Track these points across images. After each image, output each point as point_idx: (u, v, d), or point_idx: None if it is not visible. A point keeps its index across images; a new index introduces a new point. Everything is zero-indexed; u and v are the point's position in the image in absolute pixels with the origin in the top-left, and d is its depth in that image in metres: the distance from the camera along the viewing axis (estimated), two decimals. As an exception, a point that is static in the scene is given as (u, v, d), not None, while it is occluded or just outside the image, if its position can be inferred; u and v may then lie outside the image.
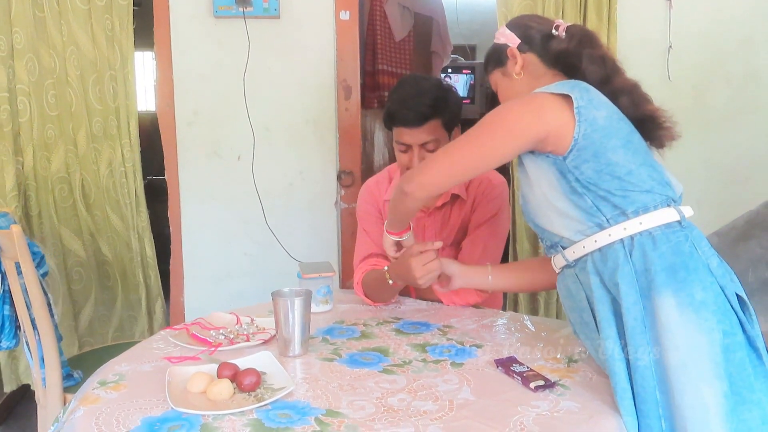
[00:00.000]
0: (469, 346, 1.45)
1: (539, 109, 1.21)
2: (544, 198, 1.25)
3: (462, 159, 1.27)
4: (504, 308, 1.96)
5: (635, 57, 2.39)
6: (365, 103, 3.05)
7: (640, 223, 1.20)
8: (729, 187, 2.63)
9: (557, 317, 2.60)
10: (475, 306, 1.72)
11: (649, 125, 1.27)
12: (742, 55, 2.61)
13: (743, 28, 2.59)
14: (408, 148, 1.68)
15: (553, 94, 1.21)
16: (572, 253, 1.26)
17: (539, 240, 1.36)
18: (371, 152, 3.50)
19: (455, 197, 1.79)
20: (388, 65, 3.48)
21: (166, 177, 2.71)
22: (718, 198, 2.60)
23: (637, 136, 1.26)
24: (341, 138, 2.74)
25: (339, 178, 2.78)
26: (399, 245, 1.53)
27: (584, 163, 1.19)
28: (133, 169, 2.64)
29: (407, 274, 1.50)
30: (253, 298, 2.47)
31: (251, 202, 2.75)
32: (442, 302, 1.74)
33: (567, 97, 1.20)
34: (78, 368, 2.02)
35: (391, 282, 1.60)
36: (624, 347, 1.16)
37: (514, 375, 1.27)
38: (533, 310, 2.67)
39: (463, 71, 4.33)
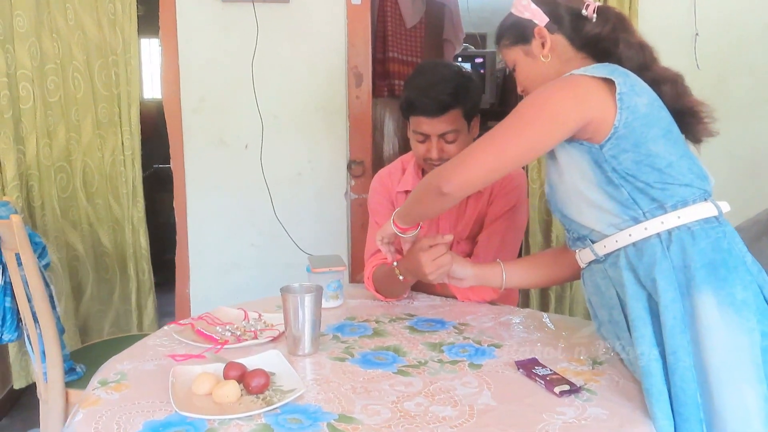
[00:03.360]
0: (487, 345, 1.40)
1: (583, 95, 1.15)
2: (575, 188, 1.20)
3: (504, 152, 1.19)
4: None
5: (659, 46, 2.29)
6: (375, 92, 3.03)
7: (679, 218, 1.15)
8: (752, 181, 2.57)
9: (569, 314, 2.56)
10: (491, 302, 1.67)
11: (689, 119, 1.22)
12: (766, 43, 2.54)
13: (768, 14, 2.38)
14: (426, 138, 1.63)
15: (594, 77, 1.15)
16: (603, 248, 1.21)
17: (566, 232, 1.32)
18: (381, 142, 3.44)
19: None
20: (399, 53, 3.43)
21: (171, 166, 2.68)
22: (741, 191, 2.50)
23: (675, 127, 1.20)
24: (352, 127, 2.69)
25: (349, 168, 2.73)
26: (396, 241, 1.48)
27: (623, 153, 1.14)
28: (132, 157, 2.61)
29: (417, 268, 1.45)
30: (260, 291, 2.47)
31: (259, 191, 2.71)
32: (455, 298, 1.69)
33: (608, 82, 1.14)
34: (81, 362, 1.98)
35: (401, 278, 1.55)
36: (660, 347, 1.11)
37: (537, 378, 1.22)
38: (544, 306, 2.63)
39: (474, 60, 4.21)
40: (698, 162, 1.20)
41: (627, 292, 1.15)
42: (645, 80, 1.19)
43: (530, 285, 1.60)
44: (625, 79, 1.15)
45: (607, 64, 1.19)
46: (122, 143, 2.58)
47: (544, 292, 2.62)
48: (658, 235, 1.15)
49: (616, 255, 1.18)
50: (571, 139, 1.17)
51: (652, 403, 1.09)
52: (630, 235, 1.17)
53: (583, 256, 1.27)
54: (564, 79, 1.17)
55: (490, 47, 4.81)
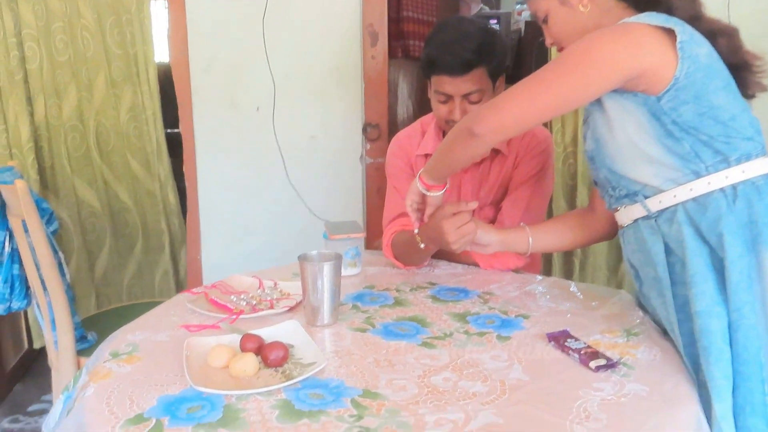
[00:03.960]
0: (515, 316, 1.34)
1: (636, 42, 1.08)
2: (629, 142, 1.15)
3: (544, 97, 1.12)
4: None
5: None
6: (389, 53, 2.93)
7: (743, 172, 1.12)
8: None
9: (591, 282, 2.50)
10: (515, 271, 1.62)
11: (744, 73, 1.17)
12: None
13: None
14: (448, 98, 1.55)
15: (650, 25, 1.08)
16: (657, 203, 1.16)
17: (607, 190, 1.26)
18: (394, 105, 3.35)
19: (496, 152, 1.66)
20: (414, 12, 3.34)
21: (180, 129, 2.62)
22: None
23: (733, 80, 1.15)
24: (367, 88, 2.61)
25: (364, 131, 2.66)
26: (423, 201, 1.42)
27: (683, 105, 1.09)
28: (154, 117, 2.62)
29: (439, 237, 1.40)
30: (274, 258, 2.41)
31: (271, 156, 2.65)
32: (477, 266, 1.63)
33: (665, 31, 1.08)
34: (92, 330, 1.95)
35: (422, 245, 1.49)
36: (721, 305, 1.08)
37: (570, 351, 1.16)
38: (567, 272, 2.57)
39: (488, 21, 4.09)
40: (755, 117, 1.16)
41: (687, 248, 1.11)
42: (699, 32, 1.13)
43: (556, 248, 1.62)
44: (684, 27, 1.09)
45: (658, 13, 1.13)
46: (143, 103, 2.59)
47: (567, 259, 2.58)
48: (722, 189, 1.12)
49: (673, 210, 1.14)
50: (623, 91, 1.12)
51: (710, 362, 1.06)
52: (691, 189, 1.13)
53: (629, 214, 1.22)
54: (618, 26, 1.10)
55: (505, 7, 4.63)
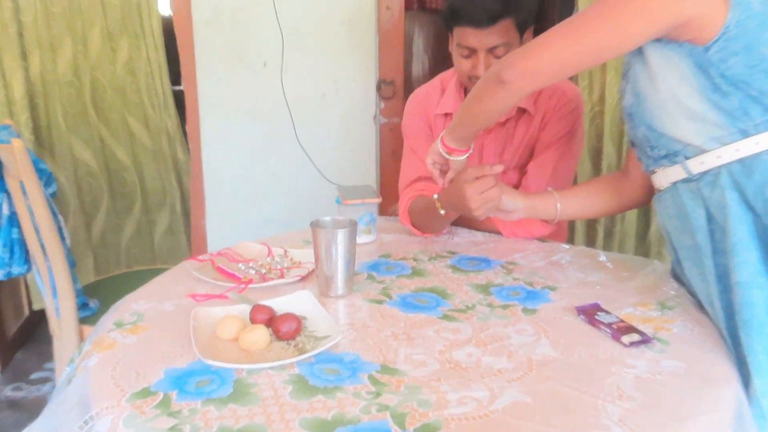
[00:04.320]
0: (541, 288, 1.31)
1: None
2: (672, 96, 1.10)
3: (581, 43, 1.07)
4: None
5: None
6: (405, 4, 2.85)
7: None
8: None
9: (619, 251, 2.48)
10: (540, 239, 1.59)
11: None
12: None
13: None
14: (472, 52, 1.51)
15: None
16: (699, 165, 1.12)
17: (645, 150, 1.22)
18: (409, 60, 3.26)
19: (521, 112, 1.61)
20: (432, -41, 3.13)
21: (183, 87, 2.58)
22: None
23: None
24: (381, 42, 2.56)
25: (378, 88, 2.62)
26: (445, 165, 1.39)
27: (732, 57, 1.03)
28: (160, 71, 2.61)
29: (461, 203, 1.38)
30: (283, 224, 2.40)
31: (279, 115, 2.61)
32: (500, 233, 1.61)
33: None
34: (94, 297, 1.96)
35: (442, 212, 1.47)
36: (764, 276, 1.04)
37: (601, 326, 1.13)
38: (590, 242, 2.53)
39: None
40: None
41: (729, 213, 1.07)
42: None
43: (586, 215, 1.52)
44: None
45: None
46: (147, 56, 2.57)
47: (590, 226, 2.52)
48: None
49: (716, 173, 1.10)
50: (668, 40, 1.07)
51: (751, 335, 1.03)
52: (737, 150, 1.08)
53: (667, 176, 1.18)
54: None
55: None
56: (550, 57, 1.10)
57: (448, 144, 1.36)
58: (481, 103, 1.24)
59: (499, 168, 1.37)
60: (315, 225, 1.28)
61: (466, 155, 1.37)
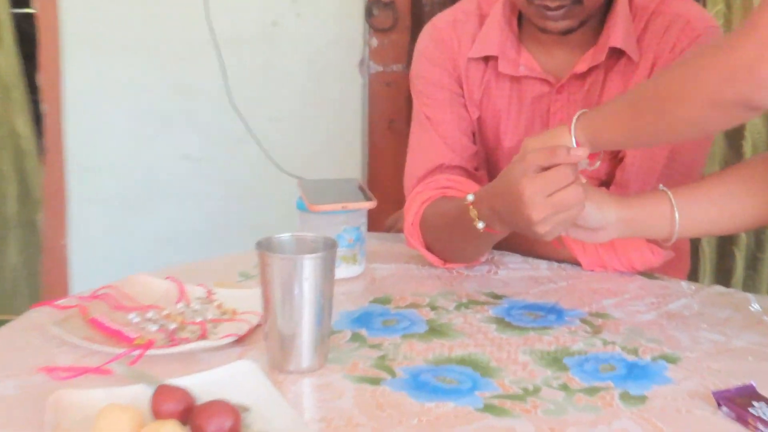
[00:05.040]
0: (651, 358, 1.15)
1: None
2: None
3: None
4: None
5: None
6: None
7: None
8: None
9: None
10: (646, 274, 1.46)
11: None
12: None
13: None
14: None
15: None
16: None
17: None
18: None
19: (614, 54, 1.45)
20: None
21: (34, 8, 2.35)
22: None
23: None
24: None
25: (369, 14, 2.38)
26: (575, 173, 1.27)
27: None
28: None
29: (514, 210, 1.21)
30: (205, 244, 2.22)
31: (200, 58, 2.38)
32: (577, 264, 1.48)
33: None
34: None
35: (480, 226, 1.30)
36: None
37: (759, 425, 0.94)
38: (726, 274, 2.33)
39: None
40: None
41: None
42: None
43: (721, 228, 1.40)
44: None
45: None
46: None
47: (725, 250, 2.33)
48: None
49: None
50: None
51: None
52: None
53: None
54: None
55: None
56: None
57: (580, 140, 1.24)
58: (680, 119, 1.13)
59: (584, 153, 1.20)
60: (263, 248, 1.10)
61: (597, 163, 1.27)
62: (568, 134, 1.24)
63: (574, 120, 1.25)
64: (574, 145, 1.24)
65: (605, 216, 1.29)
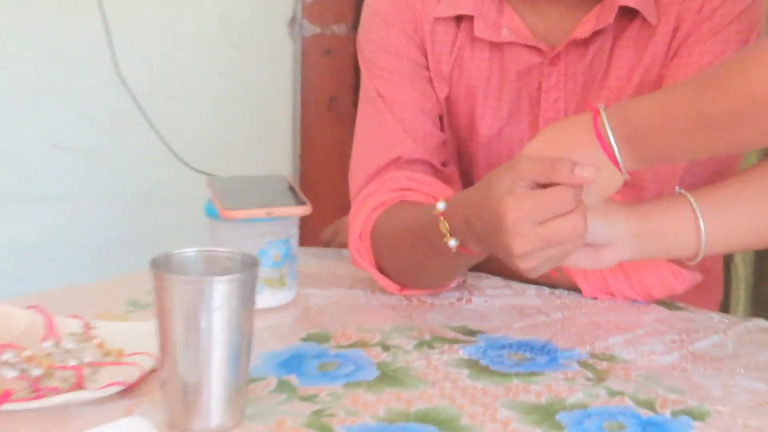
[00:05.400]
0: (672, 413, 0.97)
1: None
2: None
3: None
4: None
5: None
6: None
7: None
8: None
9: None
10: (667, 304, 1.28)
11: None
12: None
13: None
14: None
15: None
16: None
17: None
18: None
19: (625, 15, 1.27)
20: None
21: None
22: None
23: None
24: None
25: None
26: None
27: None
28: None
29: (493, 233, 1.02)
30: (89, 263, 2.12)
31: (76, 14, 2.26)
32: (578, 291, 1.29)
33: None
34: None
35: (452, 244, 1.11)
36: None
37: None
38: (764, 304, 2.19)
39: None
40: None
41: None
42: None
43: (764, 240, 1.20)
44: None
45: None
46: None
47: (764, 268, 2.21)
48: None
49: None
50: None
51: None
52: None
53: None
54: None
55: None
56: None
57: (620, 156, 1.02)
58: (743, 136, 1.00)
59: (593, 175, 1.00)
60: (160, 267, 0.92)
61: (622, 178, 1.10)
62: (590, 133, 1.06)
63: (602, 111, 1.06)
64: (600, 150, 1.04)
65: (612, 229, 1.14)
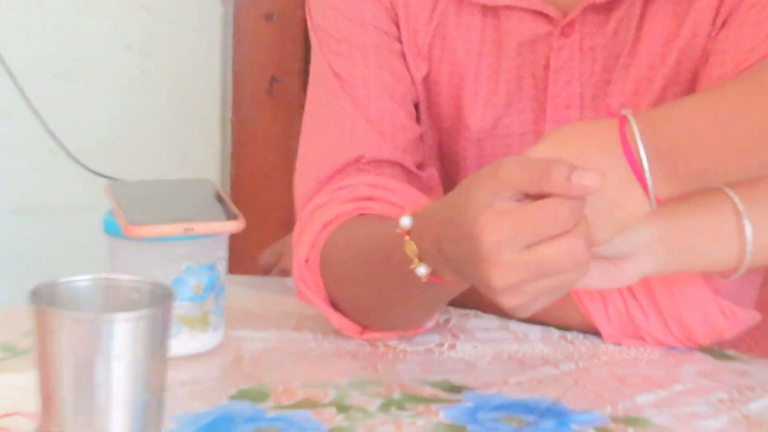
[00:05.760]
0: None
1: None
2: None
3: None
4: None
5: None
6: None
7: None
8: None
9: None
10: (713, 352, 1.14)
11: None
12: None
13: None
14: None
15: None
16: None
17: None
18: None
19: None
20: None
21: None
22: None
23: None
24: None
25: None
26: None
27: None
28: None
29: (468, 261, 0.88)
30: None
31: None
32: (597, 334, 1.12)
33: None
34: None
35: (422, 272, 0.94)
36: None
37: None
38: None
39: None
40: None
41: None
42: None
43: None
44: None
45: None
46: None
47: None
48: None
49: None
50: None
51: None
52: None
53: None
54: None
55: None
56: None
57: (659, 186, 0.89)
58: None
59: (596, 183, 0.84)
60: (44, 300, 0.80)
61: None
62: (614, 144, 0.93)
63: (630, 118, 0.92)
64: (626, 168, 0.90)
65: (632, 235, 0.99)
